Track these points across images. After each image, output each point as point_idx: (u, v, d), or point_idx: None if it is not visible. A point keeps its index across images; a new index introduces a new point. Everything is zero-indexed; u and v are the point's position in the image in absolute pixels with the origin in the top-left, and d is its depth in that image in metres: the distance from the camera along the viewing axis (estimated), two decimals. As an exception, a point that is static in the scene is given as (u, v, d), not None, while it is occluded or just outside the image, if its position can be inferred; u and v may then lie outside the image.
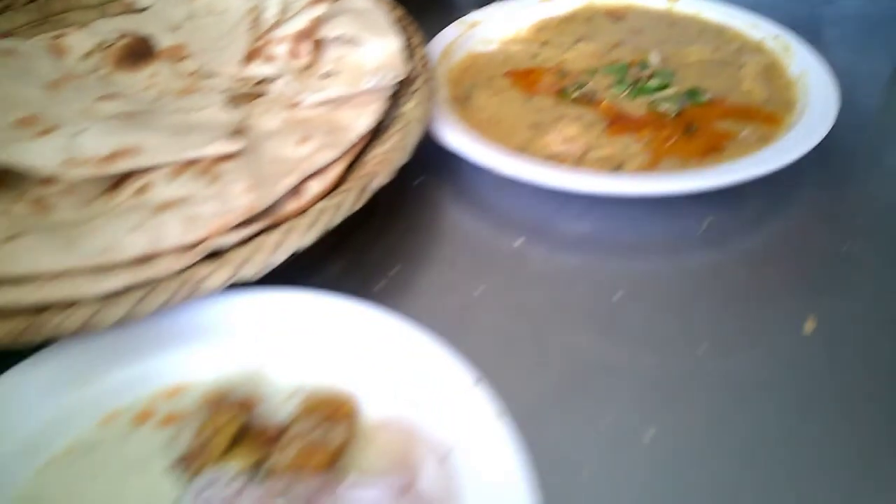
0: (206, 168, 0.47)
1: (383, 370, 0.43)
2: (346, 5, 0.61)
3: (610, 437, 0.43)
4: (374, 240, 0.56)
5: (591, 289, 0.52)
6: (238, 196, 0.46)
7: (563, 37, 0.74)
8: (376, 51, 0.57)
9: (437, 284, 0.53)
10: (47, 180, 0.48)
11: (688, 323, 0.50)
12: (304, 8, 0.61)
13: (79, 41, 0.62)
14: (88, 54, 0.62)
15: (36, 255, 0.42)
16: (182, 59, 0.63)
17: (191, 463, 0.40)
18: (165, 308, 0.42)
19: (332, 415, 0.42)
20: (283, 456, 0.40)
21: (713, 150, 0.61)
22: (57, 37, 0.62)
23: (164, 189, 0.46)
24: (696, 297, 0.52)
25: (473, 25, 0.73)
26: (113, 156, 0.46)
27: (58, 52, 0.61)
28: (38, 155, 0.46)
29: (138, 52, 0.62)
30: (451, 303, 0.51)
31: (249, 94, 0.58)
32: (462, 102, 0.65)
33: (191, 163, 0.47)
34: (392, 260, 0.55)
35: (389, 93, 0.56)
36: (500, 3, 0.77)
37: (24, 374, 0.42)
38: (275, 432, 0.41)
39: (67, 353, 0.43)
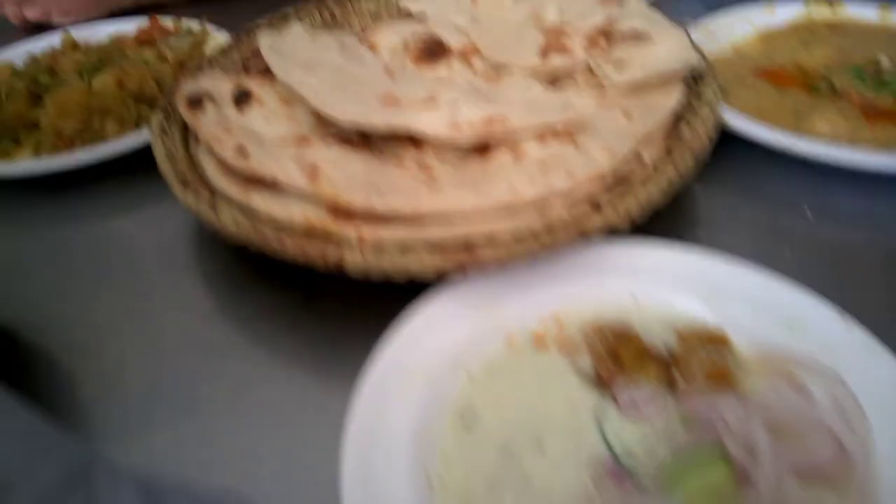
0: (564, 135, 0.54)
1: (745, 308, 0.48)
2: (629, 8, 0.69)
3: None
4: (670, 213, 0.62)
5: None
6: (598, 156, 0.52)
7: (791, 42, 0.81)
8: (670, 41, 0.64)
9: (740, 249, 0.58)
10: (419, 145, 0.56)
11: None
12: (590, 9, 0.68)
13: (386, 38, 0.71)
14: (394, 50, 0.70)
15: (456, 195, 0.49)
16: (471, 55, 0.70)
17: (603, 377, 0.46)
18: (558, 247, 0.48)
19: (709, 343, 0.47)
20: (690, 376, 0.45)
21: (970, 136, 0.66)
22: (364, 32, 0.71)
23: (537, 151, 0.53)
24: None
25: (709, 32, 0.80)
26: (489, 121, 0.54)
27: (371, 46, 0.70)
28: (429, 123, 0.54)
29: (435, 50, 0.70)
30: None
31: (550, 83, 0.65)
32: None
33: (550, 131, 0.54)
34: (692, 230, 0.61)
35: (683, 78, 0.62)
36: (726, 13, 0.84)
37: (445, 301, 0.48)
38: (666, 356, 0.47)
39: (472, 285, 0.49)
